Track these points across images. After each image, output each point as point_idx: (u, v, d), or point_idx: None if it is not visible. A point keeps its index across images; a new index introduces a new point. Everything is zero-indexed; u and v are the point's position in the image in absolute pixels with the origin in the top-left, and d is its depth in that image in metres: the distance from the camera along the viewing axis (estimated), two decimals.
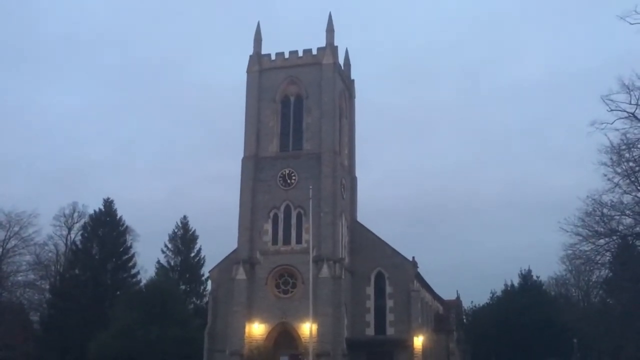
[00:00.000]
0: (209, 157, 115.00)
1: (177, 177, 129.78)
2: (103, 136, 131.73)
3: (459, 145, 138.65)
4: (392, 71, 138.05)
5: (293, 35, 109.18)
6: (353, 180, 52.80)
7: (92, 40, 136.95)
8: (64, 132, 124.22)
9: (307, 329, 41.12)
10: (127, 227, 64.31)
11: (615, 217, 34.63)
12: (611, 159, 32.13)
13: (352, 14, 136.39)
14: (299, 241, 45.78)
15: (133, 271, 63.66)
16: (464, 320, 75.95)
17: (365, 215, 52.96)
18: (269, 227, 46.65)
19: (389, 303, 47.25)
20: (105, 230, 62.81)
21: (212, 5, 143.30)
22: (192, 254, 68.81)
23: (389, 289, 47.53)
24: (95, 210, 63.70)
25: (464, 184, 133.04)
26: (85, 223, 64.77)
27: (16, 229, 59.61)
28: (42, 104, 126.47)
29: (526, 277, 72.74)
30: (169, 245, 68.65)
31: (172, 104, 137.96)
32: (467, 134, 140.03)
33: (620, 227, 34.82)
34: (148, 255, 67.98)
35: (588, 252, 36.02)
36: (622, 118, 30.69)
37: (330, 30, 50.12)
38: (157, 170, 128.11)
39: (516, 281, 73.91)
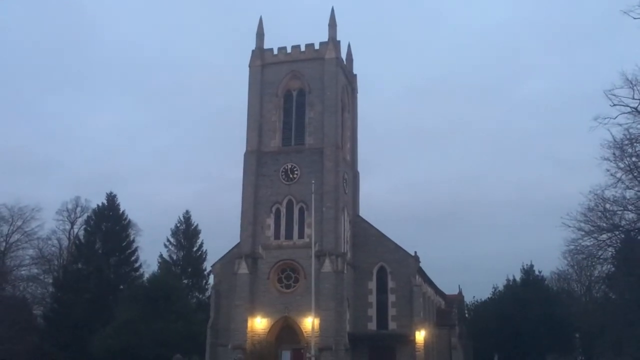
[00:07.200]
0: (228, 163, 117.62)
1: (198, 184, 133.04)
2: (139, 148, 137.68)
3: (472, 154, 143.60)
4: (413, 89, 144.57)
5: (295, 30, 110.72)
6: (355, 175, 52.79)
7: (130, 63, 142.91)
8: (103, 144, 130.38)
9: (310, 323, 41.13)
10: (129, 221, 64.52)
11: (617, 212, 34.70)
12: (614, 154, 32.16)
13: (378, 29, 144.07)
14: (301, 236, 45.80)
15: (136, 265, 63.91)
16: (466, 315, 75.99)
17: (380, 217, 53.16)
18: (271, 221, 46.66)
19: (391, 298, 47.28)
20: (108, 225, 62.90)
21: (217, 14, 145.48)
22: (195, 249, 68.99)
23: (391, 284, 47.56)
24: (98, 205, 63.85)
25: (475, 188, 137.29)
26: (88, 217, 64.95)
27: (19, 223, 60.13)
28: (89, 119, 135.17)
29: (528, 272, 72.61)
30: (172, 240, 68.88)
31: (201, 117, 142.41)
32: (480, 144, 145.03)
33: (623, 222, 34.85)
34: (151, 250, 68.43)
35: (590, 247, 36.09)
36: (625, 113, 30.72)
37: (332, 24, 50.01)
38: (181, 177, 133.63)
39: (518, 276, 73.93)
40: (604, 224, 35.00)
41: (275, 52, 50.68)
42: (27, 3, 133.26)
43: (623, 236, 35.65)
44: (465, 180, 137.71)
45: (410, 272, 47.52)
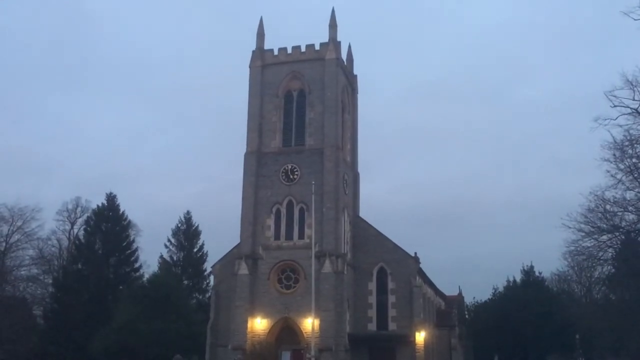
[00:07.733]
0: (229, 164, 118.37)
1: (199, 185, 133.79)
2: (140, 148, 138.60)
3: (472, 154, 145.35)
4: (414, 90, 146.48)
5: (296, 30, 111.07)
6: (355, 176, 52.79)
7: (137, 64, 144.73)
8: (104, 144, 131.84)
9: (310, 324, 41.15)
10: (130, 221, 64.49)
11: (618, 213, 34.58)
12: (614, 155, 32.08)
13: (378, 29, 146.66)
14: (301, 236, 45.79)
15: (136, 266, 63.86)
16: (466, 316, 76.00)
17: (380, 217, 53.16)
18: (271, 222, 46.66)
19: (391, 298, 47.28)
20: (108, 225, 62.88)
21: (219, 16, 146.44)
22: (195, 249, 69.00)
23: (391, 285, 47.56)
24: (98, 205, 63.84)
25: (475, 189, 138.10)
26: (88, 218, 64.91)
27: (19, 223, 59.88)
28: (90, 120, 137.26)
29: (528, 273, 72.71)
30: (172, 240, 68.89)
31: (201, 118, 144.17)
32: (480, 144, 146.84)
33: (623, 224, 34.74)
34: (151, 250, 68.44)
35: (590, 248, 35.96)
36: (626, 114, 30.66)
37: (333, 25, 50.05)
38: (182, 178, 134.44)
39: (518, 277, 73.97)
40: (604, 225, 34.93)
41: (276, 52, 50.71)
42: (28, 3, 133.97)
43: (623, 237, 35.57)
44: (465, 180, 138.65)
45: (410, 272, 47.51)
